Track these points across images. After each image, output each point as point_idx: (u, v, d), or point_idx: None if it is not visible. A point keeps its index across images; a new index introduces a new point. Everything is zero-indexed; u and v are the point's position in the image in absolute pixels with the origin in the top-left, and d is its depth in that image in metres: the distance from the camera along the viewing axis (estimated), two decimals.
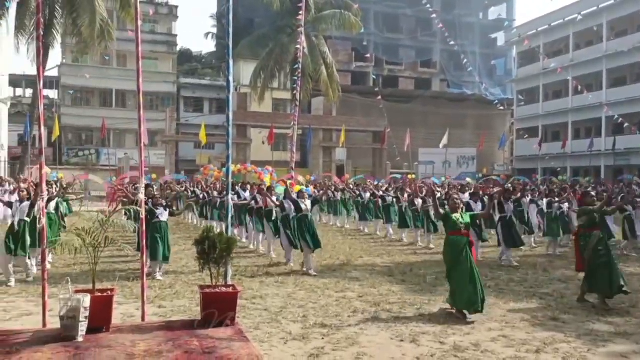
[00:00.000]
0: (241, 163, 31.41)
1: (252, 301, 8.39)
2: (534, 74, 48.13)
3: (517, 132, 49.13)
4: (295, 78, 24.60)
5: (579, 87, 33.92)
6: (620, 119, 31.21)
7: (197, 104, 48.92)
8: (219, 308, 5.03)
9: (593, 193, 10.32)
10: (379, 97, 35.82)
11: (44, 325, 5.08)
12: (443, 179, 36.38)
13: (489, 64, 58.56)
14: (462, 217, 8.09)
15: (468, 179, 35.71)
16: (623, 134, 37.08)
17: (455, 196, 9.13)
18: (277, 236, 12.71)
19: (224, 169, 27.58)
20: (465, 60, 33.95)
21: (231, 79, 6.18)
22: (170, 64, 48.80)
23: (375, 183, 25.62)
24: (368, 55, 44.04)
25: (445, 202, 13.05)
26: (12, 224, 9.88)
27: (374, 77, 46.01)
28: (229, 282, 5.55)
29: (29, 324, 6.43)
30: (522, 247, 13.59)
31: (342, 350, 6.12)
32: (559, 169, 40.78)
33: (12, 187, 19.27)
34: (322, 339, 6.51)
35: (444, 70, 55.38)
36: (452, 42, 32.99)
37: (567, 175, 41.36)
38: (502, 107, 42.21)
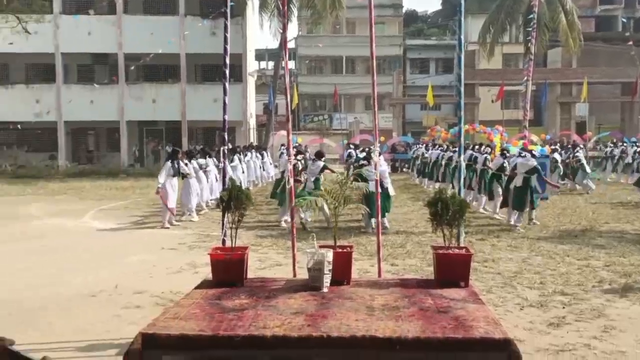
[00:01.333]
0: (469, 123, 30.53)
1: (484, 264, 8.24)
2: None
3: None
4: (530, 29, 22.81)
5: None
6: None
7: (422, 65, 48.70)
8: (452, 269, 5.03)
9: None
10: (630, 43, 31.49)
11: (294, 275, 5.67)
12: None
13: None
14: None
15: None
16: None
17: None
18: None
19: (451, 130, 27.11)
20: None
21: (462, 37, 5.99)
22: (396, 27, 49.23)
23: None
24: None
25: None
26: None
27: (624, 20, 40.45)
28: (462, 245, 5.51)
29: (280, 273, 7.25)
30: None
31: (587, 321, 5.69)
32: None
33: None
34: (563, 308, 6.13)
35: None
36: None
37: None
38: None
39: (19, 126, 27.22)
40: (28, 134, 30.87)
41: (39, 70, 31.27)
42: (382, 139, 30.65)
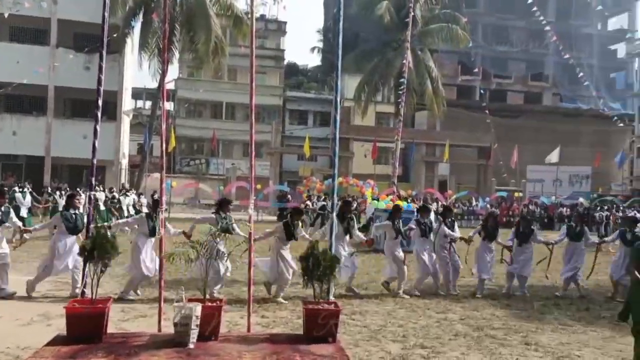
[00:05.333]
0: (343, 176, 31.65)
1: (352, 317, 8.42)
2: None
3: (638, 150, 45.68)
4: (400, 92, 24.47)
5: None
6: None
7: (301, 117, 50.15)
8: (320, 325, 5.10)
9: None
10: (486, 112, 34.81)
11: (159, 329, 5.42)
12: (553, 198, 34.56)
13: (607, 77, 55.05)
14: None
15: (581, 199, 33.66)
16: None
17: None
18: None
19: (326, 181, 27.86)
20: (581, 74, 32.14)
21: (338, 99, 6.30)
22: (277, 78, 50.42)
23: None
24: (476, 70, 42.90)
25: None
26: None
27: (481, 91, 44.78)
28: (331, 299, 5.62)
29: (144, 326, 6.88)
30: None
31: None
32: None
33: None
34: None
35: (557, 84, 52.74)
36: (566, 55, 31.36)
37: None
38: (621, 124, 39.33)
39: None
40: None
41: None
42: (259, 186, 30.78)
